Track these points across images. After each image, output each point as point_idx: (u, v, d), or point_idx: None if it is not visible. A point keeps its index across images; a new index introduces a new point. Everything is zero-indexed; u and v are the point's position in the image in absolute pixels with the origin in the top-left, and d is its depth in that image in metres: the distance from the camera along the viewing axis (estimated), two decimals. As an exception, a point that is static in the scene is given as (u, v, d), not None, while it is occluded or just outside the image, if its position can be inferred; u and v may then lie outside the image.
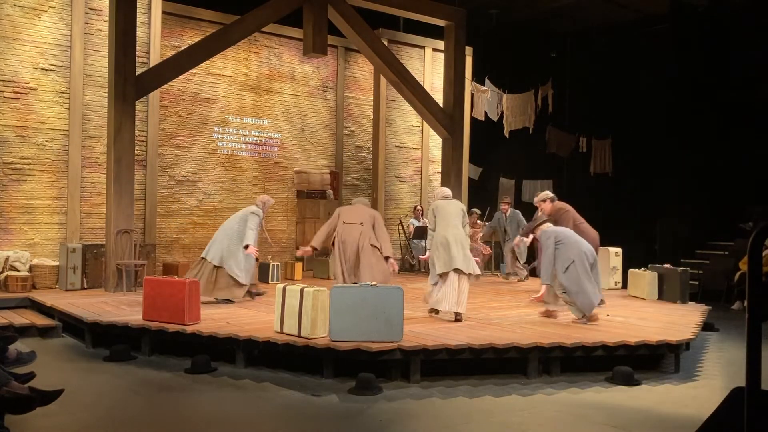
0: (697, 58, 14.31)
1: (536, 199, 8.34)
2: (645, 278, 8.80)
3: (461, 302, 6.72)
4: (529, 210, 10.92)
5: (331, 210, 12.08)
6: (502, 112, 13.88)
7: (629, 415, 4.68)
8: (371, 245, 7.25)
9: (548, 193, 8.28)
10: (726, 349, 7.20)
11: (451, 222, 6.96)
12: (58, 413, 4.27)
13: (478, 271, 7.01)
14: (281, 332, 5.76)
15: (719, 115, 14.14)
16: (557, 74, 14.95)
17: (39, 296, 8.13)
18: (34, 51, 9.37)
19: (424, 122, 13.08)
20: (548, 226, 7.25)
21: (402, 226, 12.68)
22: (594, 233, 8.01)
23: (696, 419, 3.64)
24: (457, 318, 6.76)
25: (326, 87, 12.70)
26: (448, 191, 7.48)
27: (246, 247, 7.73)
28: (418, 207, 12.45)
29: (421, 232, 11.44)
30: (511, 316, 7.16)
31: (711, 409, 2.20)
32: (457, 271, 6.74)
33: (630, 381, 5.50)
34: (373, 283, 5.85)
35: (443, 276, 6.79)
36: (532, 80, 14.13)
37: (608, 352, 5.80)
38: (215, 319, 6.57)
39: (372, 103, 13.24)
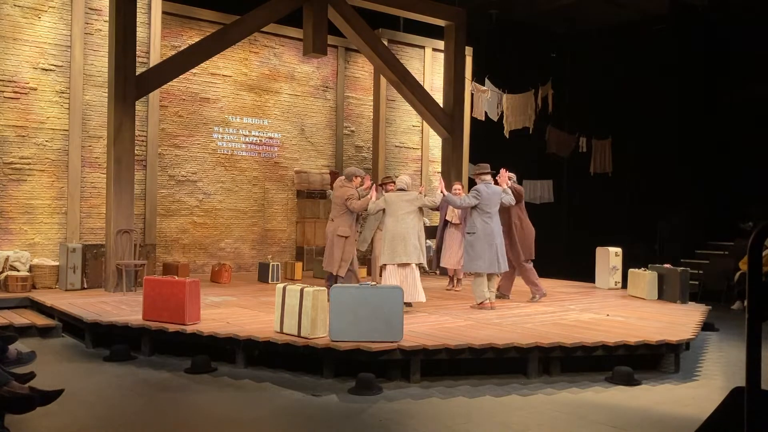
0: (696, 58, 14.31)
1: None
2: (645, 278, 8.79)
3: (409, 292, 7.13)
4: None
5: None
6: (502, 112, 13.87)
7: (629, 415, 4.68)
8: (338, 235, 7.93)
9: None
10: (726, 349, 7.20)
11: (400, 216, 7.36)
12: (58, 413, 4.28)
13: (423, 261, 7.42)
14: (281, 332, 5.76)
15: (719, 115, 14.14)
16: (557, 74, 14.95)
17: (39, 296, 8.13)
18: (34, 51, 9.37)
19: (424, 122, 13.08)
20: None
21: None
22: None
23: (696, 419, 3.64)
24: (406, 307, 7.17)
25: (326, 87, 12.70)
26: (403, 182, 7.67)
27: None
28: None
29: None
30: (511, 316, 7.16)
31: (711, 409, 2.21)
32: (403, 264, 7.26)
33: (630, 381, 5.49)
34: (373, 283, 5.87)
35: (385, 267, 7.37)
36: (532, 80, 14.12)
37: (608, 352, 5.80)
38: (215, 319, 6.56)
39: (372, 103, 13.23)
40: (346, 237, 7.91)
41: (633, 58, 15.30)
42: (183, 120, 11.02)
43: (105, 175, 9.27)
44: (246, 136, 11.69)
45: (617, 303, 8.42)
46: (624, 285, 9.76)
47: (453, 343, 5.50)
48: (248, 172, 11.74)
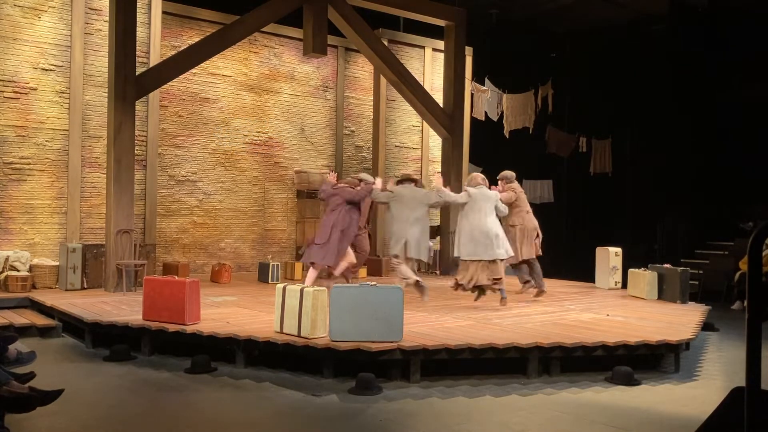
0: (696, 57, 14.32)
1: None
2: (645, 278, 8.79)
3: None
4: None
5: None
6: (502, 112, 13.88)
7: (629, 415, 4.68)
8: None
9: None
10: (726, 349, 7.20)
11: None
12: (58, 413, 4.27)
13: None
14: (281, 332, 5.76)
15: (719, 115, 14.14)
16: (557, 74, 14.95)
17: (39, 296, 8.13)
18: (34, 51, 9.37)
19: (424, 122, 13.08)
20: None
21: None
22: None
23: (696, 419, 3.65)
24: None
25: (326, 87, 12.70)
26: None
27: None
28: None
29: None
30: (511, 316, 7.16)
31: (711, 409, 2.21)
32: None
33: (630, 381, 5.49)
34: (373, 283, 5.87)
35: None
36: (532, 80, 14.13)
37: (608, 352, 5.79)
38: (215, 319, 6.56)
39: (372, 103, 13.23)
40: None
41: (633, 58, 15.31)
42: (183, 120, 11.02)
43: (105, 175, 9.26)
44: (246, 136, 11.69)
45: (617, 303, 8.42)
46: (624, 285, 9.76)
47: (453, 343, 5.50)
48: (248, 172, 11.74)
